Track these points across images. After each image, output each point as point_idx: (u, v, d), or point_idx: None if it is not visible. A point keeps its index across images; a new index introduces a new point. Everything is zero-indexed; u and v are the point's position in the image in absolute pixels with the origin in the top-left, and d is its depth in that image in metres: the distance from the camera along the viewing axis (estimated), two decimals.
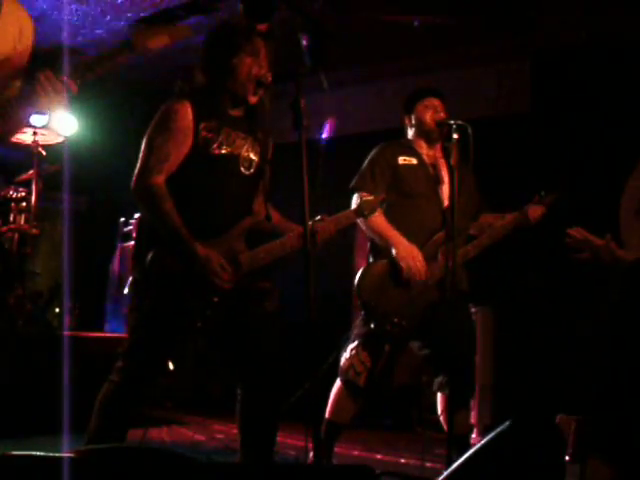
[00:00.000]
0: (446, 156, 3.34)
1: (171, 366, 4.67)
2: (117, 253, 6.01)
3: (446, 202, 3.31)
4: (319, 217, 2.63)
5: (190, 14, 5.20)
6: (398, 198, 3.31)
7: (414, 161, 3.37)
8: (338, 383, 3.32)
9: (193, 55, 2.68)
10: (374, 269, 3.29)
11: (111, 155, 6.19)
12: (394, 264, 3.23)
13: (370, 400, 3.46)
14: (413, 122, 3.44)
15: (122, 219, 6.12)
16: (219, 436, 4.58)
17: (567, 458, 2.11)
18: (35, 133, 5.24)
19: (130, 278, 2.61)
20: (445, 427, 3.18)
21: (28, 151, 5.25)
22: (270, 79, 2.55)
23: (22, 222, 5.08)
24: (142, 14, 5.32)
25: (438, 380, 3.25)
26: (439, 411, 3.32)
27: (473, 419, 4.27)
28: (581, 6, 4.79)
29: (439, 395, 3.31)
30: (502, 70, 5.47)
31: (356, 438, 4.38)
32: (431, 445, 3.63)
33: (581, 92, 4.93)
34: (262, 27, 2.62)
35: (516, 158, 5.05)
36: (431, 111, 3.36)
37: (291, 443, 4.11)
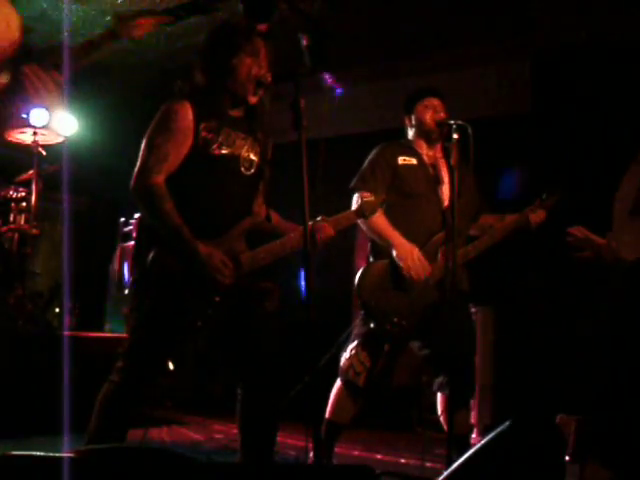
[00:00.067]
0: (446, 156, 3.34)
1: (171, 366, 4.67)
2: (117, 253, 6.01)
3: (446, 202, 3.31)
4: (319, 218, 2.63)
5: (190, 14, 5.20)
6: (398, 198, 3.30)
7: (414, 161, 3.37)
8: (338, 383, 3.32)
9: (193, 55, 2.68)
10: (374, 269, 3.29)
11: (111, 155, 6.19)
12: (394, 264, 3.23)
13: (370, 400, 3.46)
14: (413, 122, 3.44)
15: (122, 219, 6.12)
16: (219, 436, 4.58)
17: (567, 458, 2.11)
18: (35, 133, 5.24)
19: (130, 278, 2.60)
20: (445, 427, 3.18)
21: (28, 151, 5.25)
22: (270, 79, 2.55)
23: (22, 222, 5.08)
24: None
25: (438, 380, 3.25)
26: (439, 411, 3.32)
27: (473, 419, 4.27)
28: (581, 6, 4.79)
29: (439, 395, 3.31)
30: (502, 70, 5.47)
31: (356, 438, 4.38)
32: (431, 445, 3.63)
33: (581, 92, 4.93)
34: (262, 27, 2.62)
35: (516, 158, 5.05)
36: (431, 111, 3.35)
37: (291, 443, 4.11)
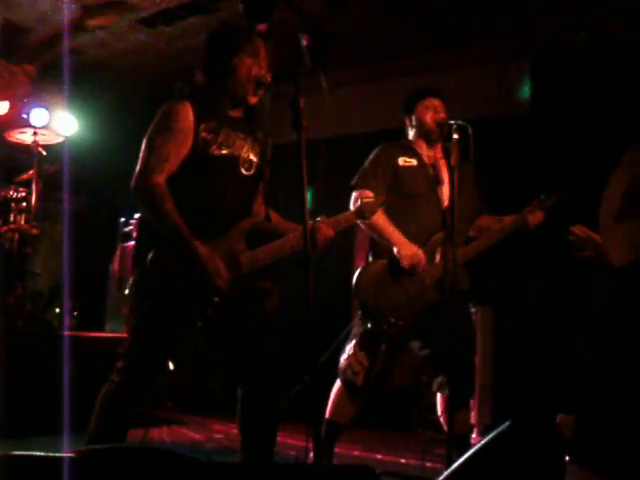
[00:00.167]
0: (446, 156, 3.34)
1: (171, 366, 4.67)
2: (117, 253, 6.01)
3: (446, 203, 3.31)
4: (319, 218, 2.63)
5: (190, 14, 5.21)
6: (398, 199, 3.31)
7: (414, 162, 3.38)
8: (338, 383, 3.33)
9: (193, 55, 2.68)
10: (372, 269, 3.29)
11: (111, 155, 6.20)
12: (393, 264, 3.23)
13: (370, 400, 3.46)
14: (413, 123, 3.44)
15: (122, 219, 6.12)
16: (219, 436, 4.58)
17: (567, 458, 2.11)
18: (35, 133, 5.25)
19: (130, 278, 2.60)
20: (445, 427, 3.18)
21: (28, 151, 5.26)
22: (270, 79, 2.55)
23: (22, 222, 5.08)
24: (142, 14, 5.32)
25: (438, 380, 3.25)
26: (439, 412, 3.32)
27: (473, 419, 4.27)
28: (581, 6, 4.79)
29: (439, 395, 3.31)
30: (502, 70, 5.47)
31: (356, 438, 4.38)
32: (431, 445, 3.63)
33: (581, 92, 4.93)
34: (262, 27, 2.62)
35: (516, 158, 5.05)
36: (431, 111, 3.35)
37: (291, 443, 4.11)
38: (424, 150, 3.41)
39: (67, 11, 5.08)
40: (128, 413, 2.49)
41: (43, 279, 5.65)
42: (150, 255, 2.43)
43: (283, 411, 2.61)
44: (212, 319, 2.48)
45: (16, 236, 5.04)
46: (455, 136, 3.14)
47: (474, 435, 4.28)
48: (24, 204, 5.08)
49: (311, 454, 2.20)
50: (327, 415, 3.32)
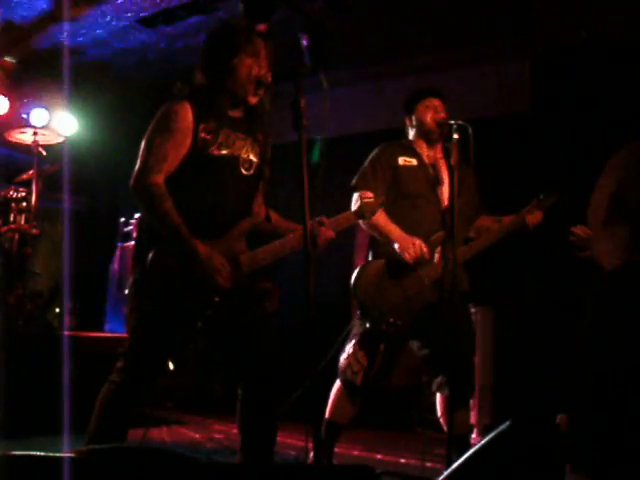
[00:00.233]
0: (446, 156, 3.34)
1: (171, 366, 4.67)
2: (117, 253, 6.02)
3: (446, 203, 3.31)
4: (318, 219, 2.63)
5: (190, 14, 5.21)
6: (397, 198, 3.31)
7: (414, 162, 3.38)
8: (338, 383, 3.33)
9: (193, 55, 2.68)
10: (371, 268, 3.29)
11: (111, 155, 6.20)
12: (391, 263, 3.23)
13: (370, 400, 3.46)
14: (413, 123, 3.44)
15: (122, 219, 6.12)
16: (219, 436, 4.58)
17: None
18: (35, 133, 5.25)
19: (130, 278, 2.60)
20: (445, 428, 3.18)
21: (28, 151, 5.26)
22: (270, 79, 2.55)
23: (22, 222, 5.08)
24: (142, 14, 5.32)
25: (437, 380, 3.24)
26: (439, 412, 3.32)
27: (473, 419, 4.27)
28: (581, 6, 4.79)
29: (438, 395, 3.31)
30: (502, 70, 5.47)
31: (356, 438, 4.38)
32: (431, 445, 3.63)
33: (581, 92, 4.93)
34: (262, 27, 2.62)
35: (516, 158, 5.05)
36: (431, 111, 3.35)
37: (291, 443, 4.11)
38: (424, 150, 3.41)
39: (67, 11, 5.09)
40: (128, 413, 2.49)
41: (43, 279, 5.65)
42: (150, 255, 2.43)
43: (283, 411, 2.61)
44: (212, 319, 2.48)
45: (16, 236, 5.04)
46: (455, 136, 3.14)
47: (474, 435, 4.28)
48: (24, 204, 5.08)
49: (311, 454, 2.20)
50: (327, 415, 3.32)
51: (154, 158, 2.44)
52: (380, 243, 3.33)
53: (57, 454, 1.50)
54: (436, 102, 3.37)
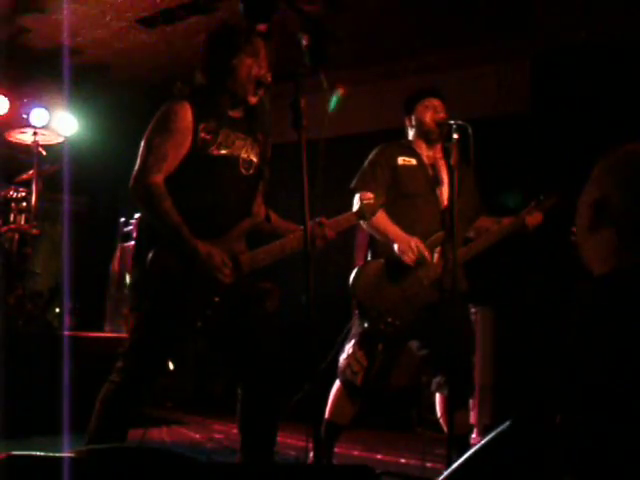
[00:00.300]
0: (446, 156, 3.34)
1: (171, 366, 4.67)
2: (117, 253, 6.01)
3: (445, 203, 3.31)
4: (318, 220, 2.62)
5: (190, 14, 5.21)
6: (396, 198, 3.31)
7: (413, 162, 3.37)
8: (337, 384, 3.32)
9: (193, 55, 2.68)
10: (369, 268, 3.29)
11: (111, 155, 6.20)
12: (390, 263, 3.23)
13: (370, 400, 3.46)
14: (413, 123, 3.44)
15: (122, 219, 6.12)
16: (219, 436, 4.58)
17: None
18: (35, 133, 5.25)
19: (130, 278, 2.60)
20: (445, 428, 3.18)
21: (28, 151, 5.26)
22: (270, 79, 2.55)
23: (22, 222, 5.08)
24: (142, 14, 5.32)
25: (436, 380, 3.24)
26: (438, 413, 3.32)
27: (473, 419, 4.27)
28: (581, 6, 4.79)
29: (437, 396, 3.31)
30: (502, 70, 5.47)
31: (356, 438, 4.38)
32: (431, 445, 3.63)
33: (581, 92, 4.93)
34: (262, 27, 2.62)
35: (516, 158, 5.04)
36: (431, 111, 3.35)
37: (291, 443, 4.11)
38: (424, 150, 3.41)
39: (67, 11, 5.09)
40: (128, 413, 2.49)
41: (43, 279, 5.64)
42: (150, 255, 2.43)
43: (285, 413, 2.61)
44: (212, 319, 2.48)
45: (16, 236, 5.04)
46: (455, 136, 3.14)
47: (474, 435, 4.28)
48: (24, 204, 5.08)
49: (311, 454, 2.20)
50: (326, 415, 3.32)
51: (154, 158, 2.45)
52: (379, 243, 3.33)
53: (57, 454, 1.50)
54: (436, 102, 3.37)
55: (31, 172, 5.15)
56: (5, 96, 5.51)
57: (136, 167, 2.48)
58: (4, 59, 5.27)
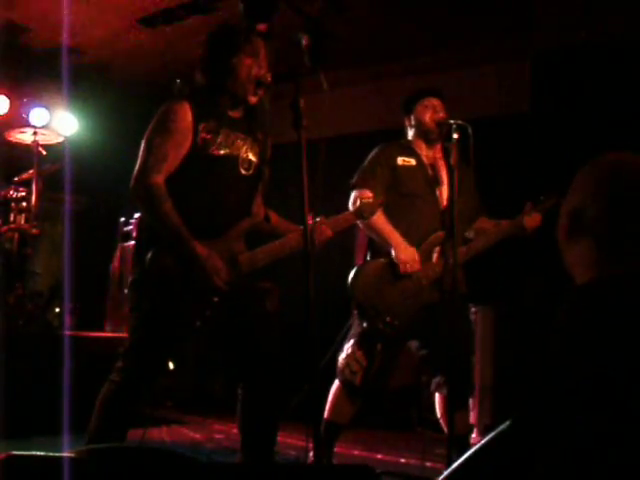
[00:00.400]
0: (446, 156, 3.34)
1: (171, 366, 4.67)
2: (117, 253, 6.01)
3: (444, 203, 3.31)
4: (318, 219, 2.63)
5: (190, 14, 5.21)
6: (396, 198, 3.30)
7: (413, 162, 3.37)
8: (336, 383, 3.32)
9: (193, 55, 2.68)
10: (368, 268, 3.29)
11: (111, 155, 6.19)
12: (389, 263, 3.23)
13: (370, 400, 3.46)
14: (413, 122, 3.43)
15: (122, 219, 6.11)
16: (219, 436, 4.58)
17: None
18: (35, 133, 5.24)
19: (130, 278, 2.60)
20: (445, 429, 3.18)
21: (28, 151, 5.25)
22: (270, 79, 2.55)
23: (22, 222, 5.08)
24: (142, 14, 5.32)
25: (436, 380, 3.24)
26: (438, 413, 3.32)
27: (473, 419, 4.27)
28: (581, 6, 4.79)
29: (437, 396, 3.31)
30: (502, 70, 5.47)
31: (356, 438, 4.38)
32: (431, 445, 3.63)
33: (581, 92, 4.93)
34: (262, 27, 2.62)
35: (516, 158, 5.04)
36: (431, 111, 3.35)
37: (291, 443, 4.11)
38: (423, 150, 3.41)
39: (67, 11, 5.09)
40: (128, 413, 2.49)
41: (43, 279, 5.64)
42: (149, 255, 2.44)
43: (284, 414, 2.61)
44: (212, 319, 2.48)
45: (16, 236, 5.04)
46: (455, 136, 3.14)
47: (474, 435, 4.28)
48: (24, 204, 5.08)
49: (311, 454, 2.20)
50: (326, 415, 3.32)
51: (154, 158, 2.45)
52: (379, 243, 3.33)
53: (57, 454, 1.50)
54: (435, 102, 3.37)
55: (31, 172, 5.15)
56: (5, 96, 5.51)
57: (136, 167, 2.48)
58: (4, 59, 5.28)
